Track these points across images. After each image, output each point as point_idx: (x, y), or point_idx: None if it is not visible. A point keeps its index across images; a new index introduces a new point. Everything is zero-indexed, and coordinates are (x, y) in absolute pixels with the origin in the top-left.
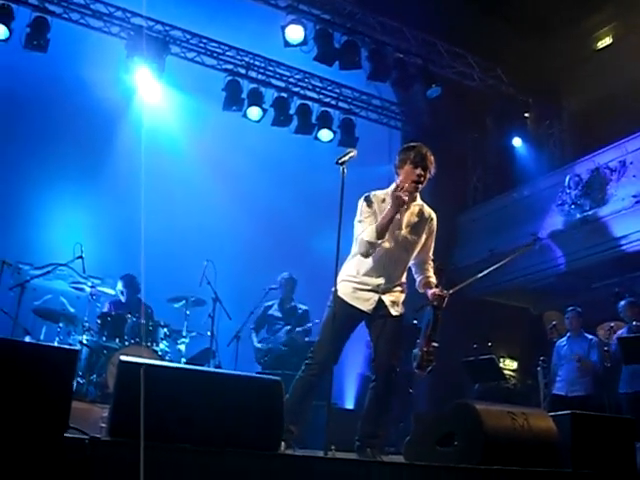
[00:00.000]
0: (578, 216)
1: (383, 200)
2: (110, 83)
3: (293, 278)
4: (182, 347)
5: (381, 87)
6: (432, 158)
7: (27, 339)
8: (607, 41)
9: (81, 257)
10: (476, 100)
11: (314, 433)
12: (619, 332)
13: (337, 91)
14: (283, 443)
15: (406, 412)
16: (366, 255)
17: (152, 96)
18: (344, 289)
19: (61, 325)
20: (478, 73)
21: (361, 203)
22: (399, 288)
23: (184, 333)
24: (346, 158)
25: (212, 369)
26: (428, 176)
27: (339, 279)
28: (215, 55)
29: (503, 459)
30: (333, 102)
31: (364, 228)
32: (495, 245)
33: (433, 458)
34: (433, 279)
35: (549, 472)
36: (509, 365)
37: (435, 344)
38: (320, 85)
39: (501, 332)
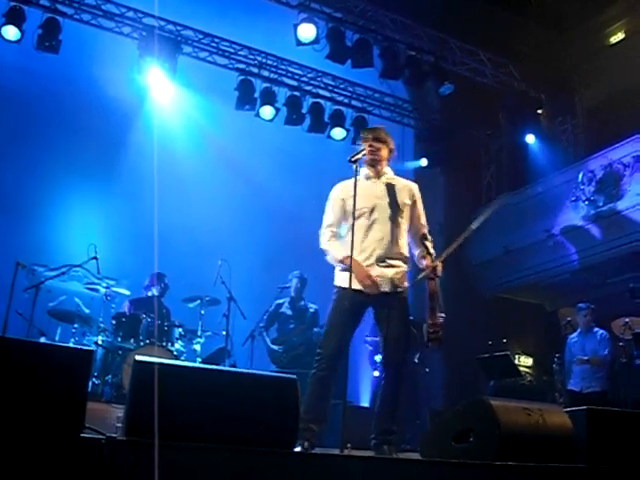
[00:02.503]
0: (592, 212)
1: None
2: (123, 83)
3: (303, 277)
4: (197, 347)
5: (393, 85)
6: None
7: (42, 340)
8: (620, 36)
9: (95, 258)
10: (489, 97)
11: (330, 431)
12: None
13: (349, 89)
14: (306, 442)
15: (422, 409)
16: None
17: (165, 96)
18: (340, 275)
19: (76, 326)
20: (490, 69)
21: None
22: (396, 262)
23: (199, 333)
24: (359, 156)
25: (227, 368)
26: (382, 149)
27: (336, 270)
28: (227, 54)
29: (519, 455)
30: (345, 100)
31: (326, 218)
32: (509, 242)
33: (449, 454)
34: (431, 251)
35: (565, 468)
36: (524, 362)
37: (442, 314)
38: (332, 83)
39: (516, 329)
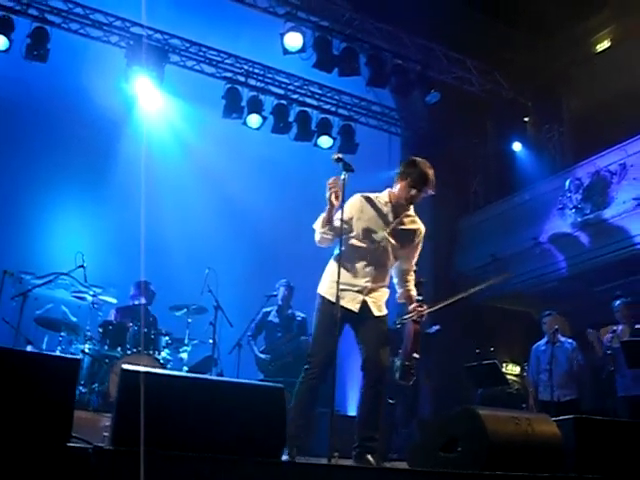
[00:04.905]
0: (579, 220)
1: (372, 205)
2: (111, 92)
3: (291, 285)
4: (184, 355)
5: (380, 93)
6: (433, 179)
7: (29, 348)
8: (605, 44)
9: (82, 266)
10: (475, 105)
11: (318, 440)
12: (617, 330)
13: (336, 98)
14: (295, 449)
15: (409, 418)
16: (320, 243)
17: (152, 105)
18: (329, 290)
19: (63, 334)
20: (477, 78)
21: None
22: (382, 290)
23: (186, 341)
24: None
25: (214, 377)
26: (424, 195)
27: (324, 280)
28: (214, 63)
29: (507, 464)
30: (332, 109)
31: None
32: (496, 250)
33: (437, 464)
34: (414, 292)
35: (554, 477)
36: (512, 370)
37: (416, 356)
38: (319, 92)
39: (503, 337)
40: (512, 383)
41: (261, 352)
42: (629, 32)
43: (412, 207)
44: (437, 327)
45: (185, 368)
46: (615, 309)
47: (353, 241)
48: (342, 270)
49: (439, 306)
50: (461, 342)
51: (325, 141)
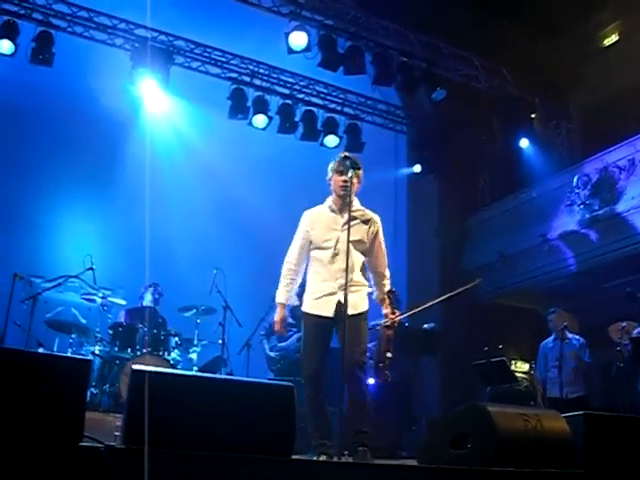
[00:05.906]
0: (587, 216)
1: (320, 215)
2: (117, 94)
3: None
4: (194, 356)
5: (386, 91)
6: (341, 159)
7: (41, 351)
8: (613, 38)
9: (91, 268)
10: (482, 102)
11: None
12: (635, 331)
13: (342, 97)
14: (323, 456)
15: (418, 416)
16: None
17: (158, 106)
18: (306, 302)
19: (73, 336)
20: (483, 75)
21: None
22: (356, 288)
23: (195, 342)
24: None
25: (224, 376)
26: (355, 181)
27: (304, 296)
28: (219, 64)
29: (516, 461)
30: (338, 108)
31: (292, 246)
32: (504, 247)
33: (446, 461)
34: (385, 297)
35: (562, 473)
36: (520, 367)
37: (389, 355)
38: (325, 91)
39: (512, 334)
40: (521, 380)
41: (270, 350)
42: (637, 25)
43: (357, 202)
44: (432, 324)
45: (195, 368)
46: None
47: (315, 252)
48: (314, 279)
49: (409, 313)
50: (469, 340)
51: (331, 140)
